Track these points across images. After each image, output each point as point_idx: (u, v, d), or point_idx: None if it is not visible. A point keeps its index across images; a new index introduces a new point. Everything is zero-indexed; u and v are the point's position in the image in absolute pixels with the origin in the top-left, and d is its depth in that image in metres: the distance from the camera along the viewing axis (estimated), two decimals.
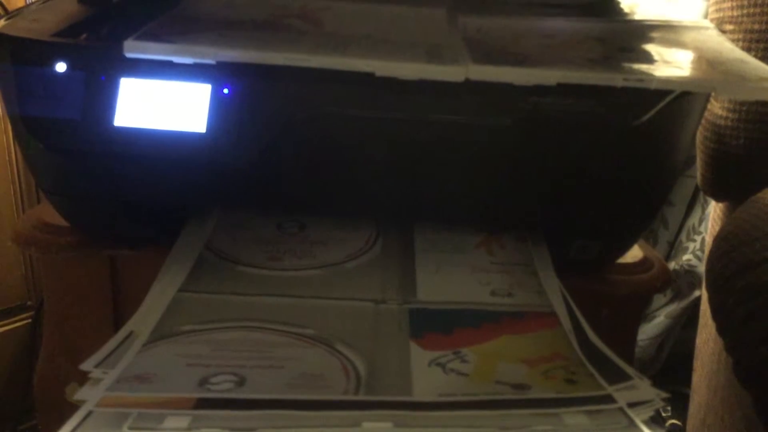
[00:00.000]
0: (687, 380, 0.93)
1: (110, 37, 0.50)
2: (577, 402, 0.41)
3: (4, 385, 1.09)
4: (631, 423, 0.39)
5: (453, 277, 0.55)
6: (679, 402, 1.05)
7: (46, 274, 0.64)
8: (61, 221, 0.60)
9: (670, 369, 1.36)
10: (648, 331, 1.33)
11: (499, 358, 0.46)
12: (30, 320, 1.09)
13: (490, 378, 0.44)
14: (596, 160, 0.53)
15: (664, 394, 0.41)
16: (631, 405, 0.41)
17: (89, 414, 0.38)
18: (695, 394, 0.88)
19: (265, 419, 0.39)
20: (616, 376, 0.44)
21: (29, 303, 1.09)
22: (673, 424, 1.27)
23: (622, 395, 0.42)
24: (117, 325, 0.61)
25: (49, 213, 0.61)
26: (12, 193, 1.04)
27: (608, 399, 0.41)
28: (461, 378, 0.44)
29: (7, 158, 1.02)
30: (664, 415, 1.32)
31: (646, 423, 0.39)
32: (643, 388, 0.42)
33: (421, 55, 0.50)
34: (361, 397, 0.41)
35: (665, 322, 1.31)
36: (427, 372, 0.44)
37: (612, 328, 0.61)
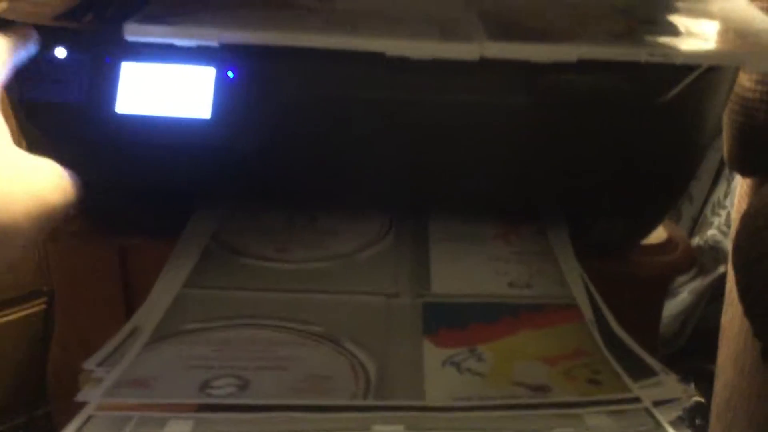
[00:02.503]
0: (711, 356, 0.91)
1: (113, 19, 0.48)
2: (601, 403, 0.39)
3: (20, 371, 1.09)
4: (658, 425, 0.37)
5: (469, 268, 0.53)
6: (703, 379, 1.03)
7: (55, 262, 0.63)
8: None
9: (694, 345, 1.34)
10: (671, 308, 1.31)
11: (517, 356, 0.45)
12: (44, 306, 1.09)
13: (508, 379, 0.43)
14: (621, 139, 0.51)
15: (693, 392, 0.40)
16: (657, 404, 0.39)
17: (90, 418, 0.37)
18: (721, 373, 0.87)
19: (271, 423, 0.38)
20: (641, 372, 0.42)
21: (44, 288, 1.09)
22: (696, 402, 1.25)
23: (647, 393, 0.40)
24: (129, 314, 0.60)
25: None
26: None
27: (633, 399, 0.40)
28: (477, 379, 0.42)
29: (17, 144, 1.01)
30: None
31: (673, 424, 0.37)
32: (669, 384, 0.40)
33: (435, 33, 0.48)
34: (370, 402, 0.40)
35: (689, 299, 1.30)
36: (441, 373, 0.43)
37: (635, 312, 0.59)
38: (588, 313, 0.48)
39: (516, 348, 0.45)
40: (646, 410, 0.39)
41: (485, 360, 0.44)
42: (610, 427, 0.38)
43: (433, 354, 0.44)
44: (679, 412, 0.38)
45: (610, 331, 0.46)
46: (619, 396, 0.40)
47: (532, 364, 0.44)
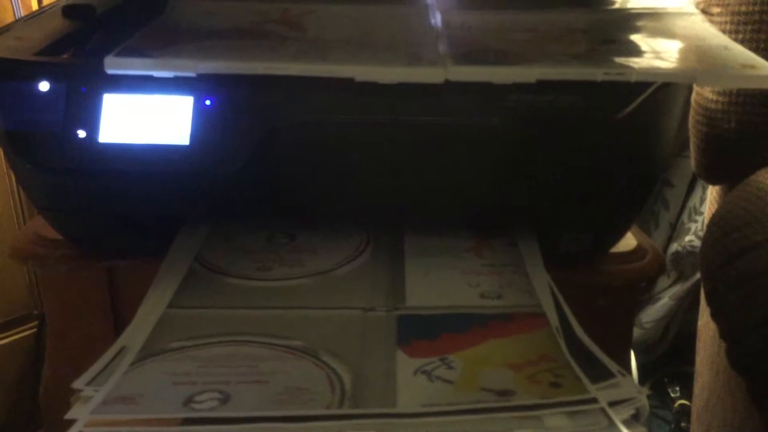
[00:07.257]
0: (695, 360, 0.93)
1: (94, 52, 0.50)
2: (560, 405, 0.41)
3: (13, 394, 1.10)
4: (611, 423, 0.39)
5: (442, 281, 0.55)
6: (688, 382, 1.05)
7: (45, 287, 0.64)
8: (57, 235, 0.61)
9: (678, 349, 1.35)
10: (653, 314, 1.33)
11: (485, 363, 0.46)
12: (36, 329, 1.10)
13: (476, 385, 0.44)
14: (582, 154, 0.53)
15: (647, 391, 0.41)
16: (613, 404, 0.41)
17: None
18: (699, 376, 0.88)
19: None
20: (600, 374, 0.44)
21: (35, 312, 1.10)
22: (681, 405, 1.27)
23: (604, 395, 0.42)
24: (117, 334, 0.61)
25: (45, 226, 0.61)
26: (12, 205, 1.04)
27: (591, 400, 0.42)
28: (446, 386, 0.44)
29: (5, 170, 1.03)
30: (672, 395, 1.32)
31: (626, 422, 0.39)
32: (625, 385, 0.42)
33: (401, 58, 0.50)
34: (344, 411, 0.41)
35: (670, 304, 1.31)
36: (412, 381, 0.44)
37: (608, 319, 0.61)
38: (554, 320, 0.50)
39: (484, 356, 0.47)
40: (602, 410, 0.41)
41: (455, 368, 0.45)
42: (567, 426, 0.40)
43: (405, 364, 0.46)
44: (633, 411, 0.40)
45: (574, 337, 0.48)
46: (578, 397, 0.42)
47: (499, 371, 0.45)
